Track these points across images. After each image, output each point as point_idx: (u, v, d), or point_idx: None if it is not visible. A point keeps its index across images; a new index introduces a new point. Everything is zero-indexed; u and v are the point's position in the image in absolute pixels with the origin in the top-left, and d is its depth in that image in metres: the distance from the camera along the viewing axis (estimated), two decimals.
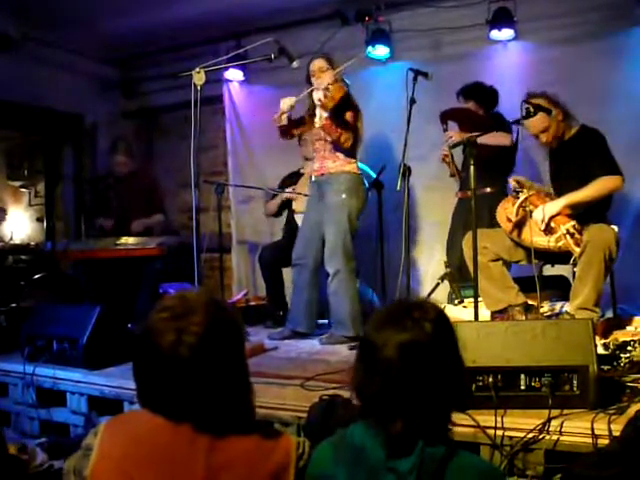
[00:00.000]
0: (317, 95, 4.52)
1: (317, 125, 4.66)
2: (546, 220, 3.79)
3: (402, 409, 1.59)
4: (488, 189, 4.80)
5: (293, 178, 5.81)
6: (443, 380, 1.61)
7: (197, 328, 1.58)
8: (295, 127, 4.87)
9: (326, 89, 4.44)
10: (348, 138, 4.58)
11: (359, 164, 4.87)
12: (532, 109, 3.74)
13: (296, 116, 4.83)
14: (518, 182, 4.06)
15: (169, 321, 1.60)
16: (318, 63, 4.65)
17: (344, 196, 4.62)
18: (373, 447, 1.61)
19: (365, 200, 4.81)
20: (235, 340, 1.69)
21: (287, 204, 5.79)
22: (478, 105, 5.04)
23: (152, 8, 5.91)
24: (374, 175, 5.31)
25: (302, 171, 5.75)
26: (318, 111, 4.63)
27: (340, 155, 4.69)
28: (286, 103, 4.66)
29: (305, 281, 4.80)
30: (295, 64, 4.28)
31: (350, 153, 4.71)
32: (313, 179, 4.88)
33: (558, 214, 3.79)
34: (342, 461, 1.64)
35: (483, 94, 5.06)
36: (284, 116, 4.70)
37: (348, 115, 4.58)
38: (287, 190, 5.68)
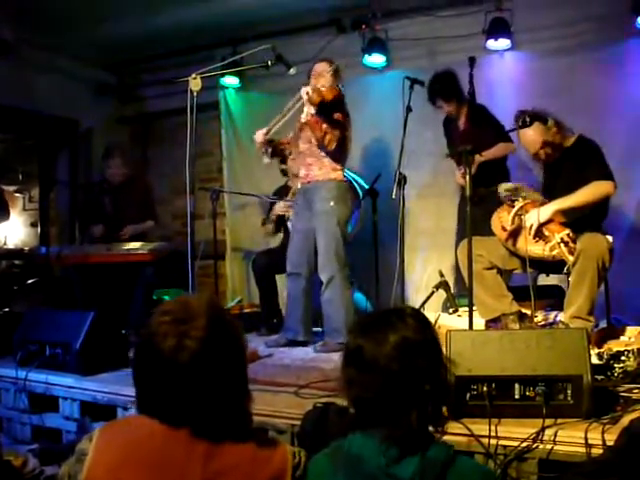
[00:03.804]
0: (305, 89, 4.45)
1: (302, 120, 4.61)
2: (535, 226, 3.79)
3: (411, 402, 1.63)
4: None
5: (285, 190, 5.80)
6: (436, 372, 1.70)
7: (199, 333, 1.57)
8: (281, 150, 4.91)
9: (315, 86, 4.43)
10: (332, 139, 4.52)
11: (353, 175, 4.86)
12: (528, 119, 3.75)
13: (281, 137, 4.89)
14: (515, 189, 4.06)
15: (170, 325, 1.59)
16: (321, 66, 4.65)
17: (332, 203, 4.61)
18: (372, 455, 1.61)
19: (352, 208, 4.83)
20: (236, 346, 1.69)
21: (281, 219, 5.76)
22: (457, 102, 5.04)
23: (148, 14, 5.92)
24: (366, 185, 5.31)
25: (289, 184, 5.73)
26: (305, 107, 4.55)
27: (326, 161, 4.66)
28: (259, 135, 4.74)
29: (300, 290, 4.79)
30: (292, 71, 4.27)
31: (336, 159, 4.67)
32: (299, 186, 4.86)
33: (551, 220, 3.79)
34: (341, 471, 1.64)
35: (452, 87, 5.03)
36: (262, 149, 4.80)
37: (337, 115, 4.55)
38: (281, 200, 5.66)
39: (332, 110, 4.50)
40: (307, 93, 4.40)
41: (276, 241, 5.94)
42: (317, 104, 4.42)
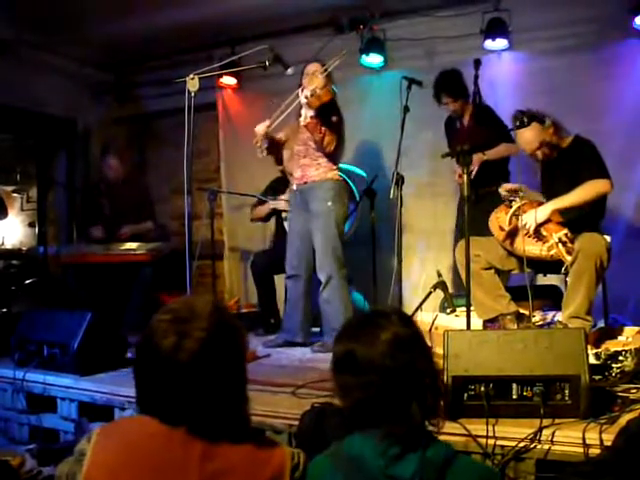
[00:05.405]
0: (304, 93, 4.48)
1: (302, 123, 4.61)
2: (533, 226, 3.80)
3: (411, 396, 1.64)
4: None
5: (280, 184, 5.78)
6: (430, 364, 1.72)
7: (199, 334, 1.58)
8: (278, 148, 4.88)
9: (314, 90, 4.44)
10: (331, 141, 4.55)
11: (348, 166, 4.85)
12: (526, 119, 3.75)
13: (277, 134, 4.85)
14: (515, 190, 4.07)
15: (171, 324, 1.60)
16: (313, 67, 4.65)
17: (330, 203, 4.62)
18: (372, 456, 1.61)
19: (348, 206, 4.83)
20: (236, 350, 1.69)
21: (276, 211, 5.76)
22: (464, 100, 5.02)
23: (147, 14, 5.90)
24: (364, 174, 5.30)
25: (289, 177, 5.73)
26: (304, 110, 4.56)
27: (322, 162, 4.67)
28: (260, 128, 4.66)
29: (300, 292, 4.80)
30: (290, 71, 4.28)
31: (331, 159, 4.69)
32: (295, 187, 4.85)
33: (549, 220, 3.80)
34: (341, 472, 1.64)
35: (460, 85, 4.99)
36: (260, 143, 4.70)
37: (334, 118, 4.57)
38: (280, 198, 5.65)
39: (329, 112, 4.51)
40: (306, 97, 4.41)
41: (270, 237, 5.97)
42: (316, 108, 4.43)
